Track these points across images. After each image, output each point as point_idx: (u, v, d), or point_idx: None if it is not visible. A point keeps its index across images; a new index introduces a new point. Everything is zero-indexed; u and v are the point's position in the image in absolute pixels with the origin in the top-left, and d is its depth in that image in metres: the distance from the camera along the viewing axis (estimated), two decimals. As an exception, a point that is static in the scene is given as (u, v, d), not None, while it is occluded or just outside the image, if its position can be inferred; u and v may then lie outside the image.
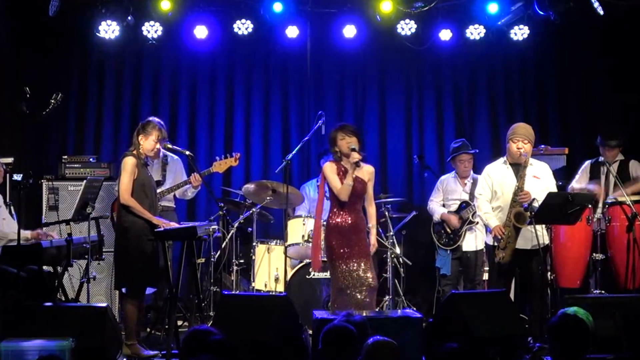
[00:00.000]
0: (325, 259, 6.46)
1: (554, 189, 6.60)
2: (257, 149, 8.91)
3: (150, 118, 6.45)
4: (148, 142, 6.28)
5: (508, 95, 9.09)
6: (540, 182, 6.54)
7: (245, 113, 8.94)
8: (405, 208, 8.38)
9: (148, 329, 7.03)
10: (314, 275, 7.25)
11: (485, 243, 6.97)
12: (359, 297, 6.07)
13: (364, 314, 5.57)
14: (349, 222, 6.18)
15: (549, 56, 9.01)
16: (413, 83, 9.10)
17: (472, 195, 7.55)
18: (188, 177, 7.28)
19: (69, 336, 5.13)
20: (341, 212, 6.21)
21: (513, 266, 6.53)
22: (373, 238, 6.28)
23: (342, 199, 6.16)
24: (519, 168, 6.49)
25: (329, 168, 6.24)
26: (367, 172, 6.28)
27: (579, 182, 7.59)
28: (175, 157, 7.56)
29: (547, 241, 6.54)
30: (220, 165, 7.22)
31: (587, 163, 7.69)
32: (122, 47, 8.63)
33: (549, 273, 6.62)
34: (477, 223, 7.49)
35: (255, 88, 8.96)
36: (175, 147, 6.88)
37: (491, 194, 6.66)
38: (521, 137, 6.54)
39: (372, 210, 6.36)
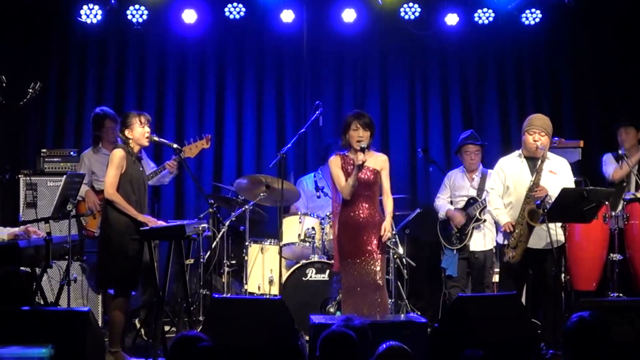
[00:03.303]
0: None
1: (572, 187, 6.56)
2: (250, 141, 8.88)
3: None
4: (135, 132, 6.28)
5: (519, 85, 9.06)
6: (557, 177, 6.48)
7: (237, 103, 8.90)
8: (409, 205, 8.36)
9: (133, 335, 7.01)
10: (310, 277, 7.24)
11: (496, 242, 6.94)
12: (370, 296, 6.15)
13: (365, 319, 5.57)
14: (361, 216, 6.26)
15: (562, 42, 8.99)
16: (417, 71, 9.07)
17: (480, 190, 7.54)
18: (157, 166, 7.24)
19: (48, 342, 5.11)
20: (352, 206, 6.28)
21: (525, 267, 6.49)
22: (388, 223, 6.28)
23: (344, 197, 6.28)
24: (535, 162, 6.46)
25: (334, 163, 6.35)
26: (379, 160, 6.36)
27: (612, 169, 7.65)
28: None
29: (562, 240, 6.51)
30: (190, 150, 7.11)
31: (608, 154, 7.73)
32: (105, 33, 8.62)
33: (563, 274, 6.61)
34: (485, 221, 7.48)
35: (248, 77, 8.93)
36: (162, 139, 6.84)
37: (503, 189, 6.63)
38: (538, 129, 6.50)
39: (388, 201, 6.38)
